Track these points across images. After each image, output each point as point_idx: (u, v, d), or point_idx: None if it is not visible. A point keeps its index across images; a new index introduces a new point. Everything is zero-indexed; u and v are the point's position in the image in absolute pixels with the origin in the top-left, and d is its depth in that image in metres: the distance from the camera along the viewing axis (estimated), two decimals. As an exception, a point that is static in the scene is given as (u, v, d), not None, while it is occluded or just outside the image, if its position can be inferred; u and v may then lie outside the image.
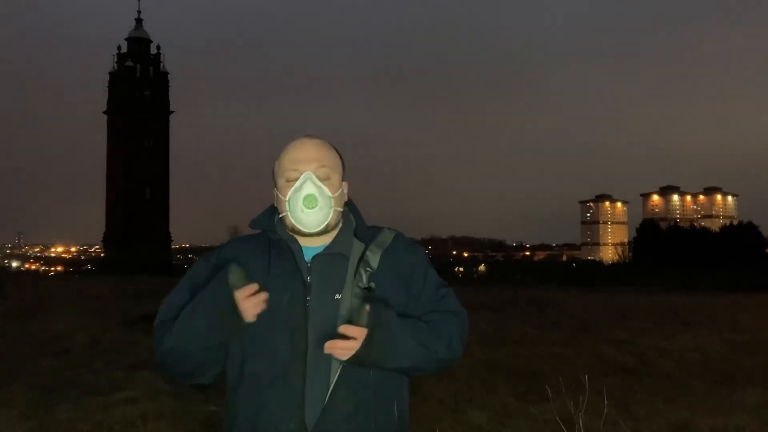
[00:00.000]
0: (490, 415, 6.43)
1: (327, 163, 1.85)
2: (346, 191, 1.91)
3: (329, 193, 1.82)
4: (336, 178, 1.86)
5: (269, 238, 1.86)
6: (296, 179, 1.81)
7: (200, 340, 1.76)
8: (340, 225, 1.89)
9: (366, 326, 1.69)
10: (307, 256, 1.83)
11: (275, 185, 1.88)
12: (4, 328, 12.45)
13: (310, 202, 1.79)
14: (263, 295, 1.72)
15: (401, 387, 1.87)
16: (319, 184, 1.81)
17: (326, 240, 1.86)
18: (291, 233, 1.85)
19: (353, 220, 1.91)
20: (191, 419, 6.11)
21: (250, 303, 1.70)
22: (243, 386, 1.78)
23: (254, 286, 1.71)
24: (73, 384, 7.82)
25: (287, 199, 1.82)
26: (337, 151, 1.91)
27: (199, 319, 1.75)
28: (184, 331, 1.77)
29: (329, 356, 1.74)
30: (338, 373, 1.74)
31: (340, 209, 1.87)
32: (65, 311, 14.72)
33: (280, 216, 1.86)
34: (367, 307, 1.70)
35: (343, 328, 1.70)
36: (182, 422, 6.01)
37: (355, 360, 1.71)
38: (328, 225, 1.82)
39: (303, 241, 1.85)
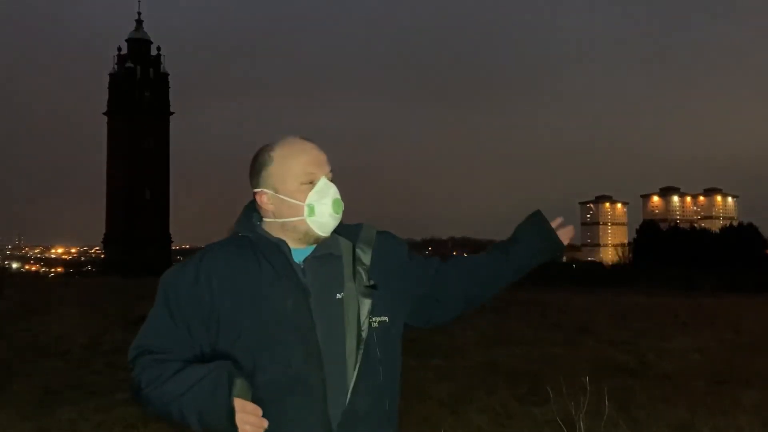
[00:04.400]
0: (490, 416, 6.43)
1: (331, 167, 1.85)
2: None
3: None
4: None
5: (251, 242, 1.79)
6: (312, 182, 1.78)
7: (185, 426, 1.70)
8: None
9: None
10: (296, 258, 1.79)
11: (274, 189, 1.80)
12: (5, 329, 12.46)
13: (339, 207, 1.78)
14: (265, 423, 1.63)
15: (399, 377, 1.88)
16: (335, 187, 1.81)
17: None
18: (278, 235, 1.80)
19: None
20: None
21: (250, 421, 1.60)
22: (255, 398, 1.67)
23: (259, 409, 1.62)
24: (73, 385, 7.82)
25: (308, 203, 1.77)
26: None
27: (187, 416, 1.66)
28: (167, 412, 1.70)
29: (343, 358, 1.73)
30: (356, 372, 1.73)
31: None
32: (65, 312, 14.73)
33: (289, 221, 1.79)
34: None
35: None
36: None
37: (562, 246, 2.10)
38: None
39: (291, 243, 1.80)
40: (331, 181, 1.81)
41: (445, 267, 2.01)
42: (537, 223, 2.08)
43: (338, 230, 1.85)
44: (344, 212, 1.91)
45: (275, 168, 1.80)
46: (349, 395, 1.72)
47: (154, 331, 1.79)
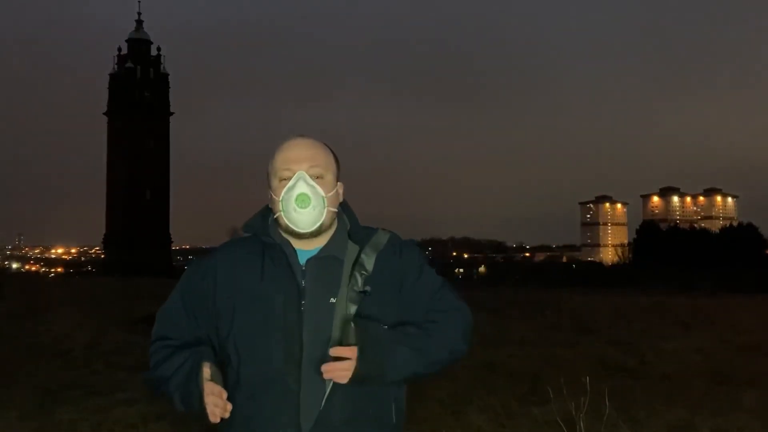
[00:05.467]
0: (490, 416, 6.43)
1: (320, 163, 1.82)
2: (341, 192, 1.89)
3: (322, 193, 1.79)
4: (330, 177, 1.84)
5: (262, 242, 1.84)
6: (289, 179, 1.79)
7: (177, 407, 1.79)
8: (335, 226, 1.87)
9: (356, 344, 1.68)
10: (302, 260, 1.81)
11: (269, 186, 1.86)
12: (5, 329, 12.46)
13: (303, 202, 1.76)
14: (229, 406, 1.70)
15: (399, 387, 1.86)
16: (312, 183, 1.78)
17: (320, 243, 1.83)
18: (285, 235, 1.83)
19: (347, 221, 1.89)
20: (191, 421, 6.11)
21: (216, 403, 1.67)
22: (239, 391, 1.75)
23: (224, 392, 1.69)
24: (73, 385, 7.83)
25: (280, 198, 1.79)
26: (332, 152, 1.89)
27: (173, 396, 1.77)
28: (163, 394, 1.81)
29: (325, 361, 1.72)
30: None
31: (334, 209, 1.85)
32: (65, 313, 14.73)
33: (275, 216, 1.84)
34: (353, 325, 1.70)
35: (334, 350, 1.68)
36: (182, 424, 6.01)
37: (356, 379, 1.68)
38: (321, 225, 1.80)
39: (297, 244, 1.82)
40: (318, 177, 1.81)
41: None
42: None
43: (351, 233, 1.86)
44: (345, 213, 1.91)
45: (269, 166, 1.86)
46: (324, 401, 1.72)
47: (168, 319, 1.90)
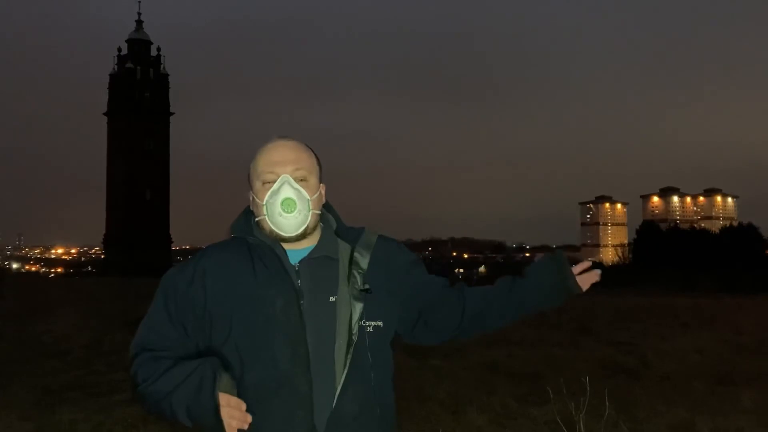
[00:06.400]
0: (490, 416, 6.43)
1: (304, 165, 1.81)
2: (323, 193, 1.88)
3: (308, 196, 1.78)
4: (313, 180, 1.83)
5: (248, 244, 1.81)
6: (273, 182, 1.78)
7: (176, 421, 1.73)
8: (321, 227, 1.86)
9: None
10: (293, 260, 1.80)
11: (251, 188, 1.84)
12: (5, 329, 12.47)
13: (289, 206, 1.75)
14: (249, 417, 1.67)
15: (390, 385, 1.87)
16: (297, 186, 1.77)
17: (309, 242, 1.83)
18: (270, 237, 1.81)
19: (332, 220, 1.89)
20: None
21: (233, 415, 1.65)
22: (244, 398, 1.71)
23: (243, 404, 1.66)
24: (73, 385, 7.83)
25: (264, 202, 1.78)
26: (314, 153, 1.88)
27: (177, 411, 1.69)
28: (160, 409, 1.72)
29: (332, 360, 1.73)
30: (344, 376, 1.72)
31: (318, 212, 1.84)
32: (66, 313, 14.74)
33: (257, 219, 1.82)
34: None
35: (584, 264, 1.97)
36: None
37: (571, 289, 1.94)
38: (306, 228, 1.79)
39: (285, 245, 1.81)
40: (303, 180, 1.79)
41: (444, 292, 1.95)
42: (553, 262, 1.96)
43: (339, 233, 1.86)
44: (344, 214, 1.92)
45: (251, 169, 1.84)
46: (336, 399, 1.71)
47: (153, 330, 1.81)
